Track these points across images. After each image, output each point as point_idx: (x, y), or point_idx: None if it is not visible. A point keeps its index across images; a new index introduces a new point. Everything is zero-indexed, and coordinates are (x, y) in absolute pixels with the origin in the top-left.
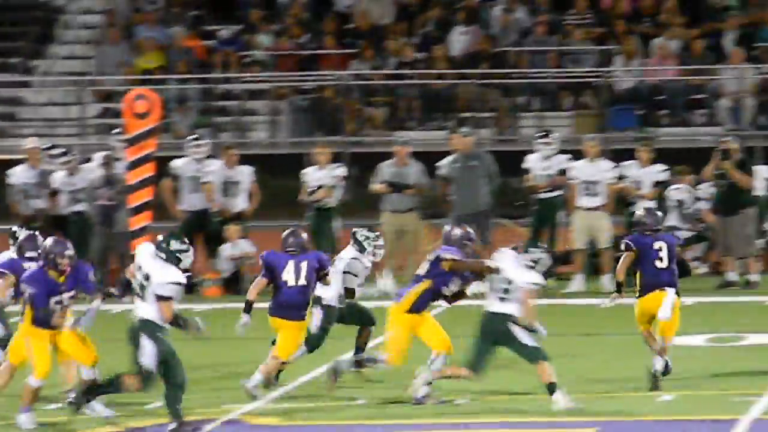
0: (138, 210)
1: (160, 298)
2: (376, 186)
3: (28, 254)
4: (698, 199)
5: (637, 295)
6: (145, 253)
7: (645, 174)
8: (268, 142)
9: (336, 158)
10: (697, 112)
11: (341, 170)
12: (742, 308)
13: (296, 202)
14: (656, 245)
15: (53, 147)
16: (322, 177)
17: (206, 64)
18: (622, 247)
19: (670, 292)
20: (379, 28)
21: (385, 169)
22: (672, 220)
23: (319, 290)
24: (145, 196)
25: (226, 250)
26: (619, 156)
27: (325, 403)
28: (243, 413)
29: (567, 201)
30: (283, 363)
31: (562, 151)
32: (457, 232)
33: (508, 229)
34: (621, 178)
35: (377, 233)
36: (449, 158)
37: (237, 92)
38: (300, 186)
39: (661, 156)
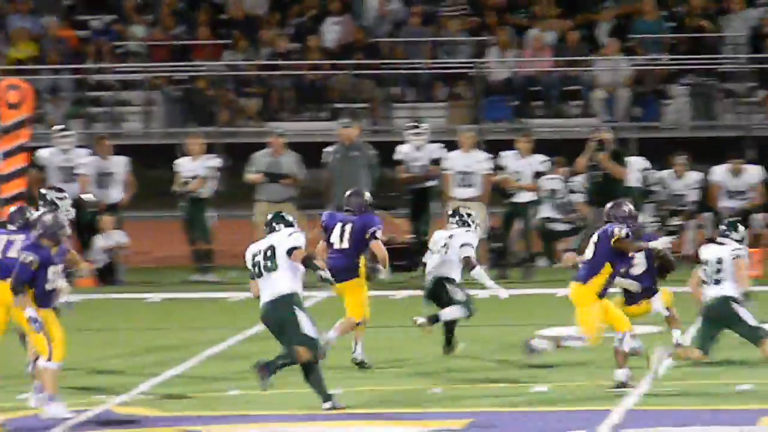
0: (11, 201)
1: None
2: (250, 175)
3: None
4: (572, 191)
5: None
6: None
7: (525, 165)
8: (141, 133)
9: (209, 149)
10: (572, 103)
11: (215, 161)
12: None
13: (170, 192)
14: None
15: None
16: (195, 168)
17: (79, 54)
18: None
19: (656, 299)
20: (253, 18)
21: (260, 159)
22: (545, 210)
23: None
24: (18, 186)
25: (100, 241)
26: (493, 147)
27: (199, 395)
28: (115, 404)
29: (441, 191)
30: (357, 324)
31: (435, 141)
32: (625, 209)
33: (385, 220)
34: (499, 168)
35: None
36: (329, 149)
37: (110, 82)
38: (174, 177)
39: (536, 147)
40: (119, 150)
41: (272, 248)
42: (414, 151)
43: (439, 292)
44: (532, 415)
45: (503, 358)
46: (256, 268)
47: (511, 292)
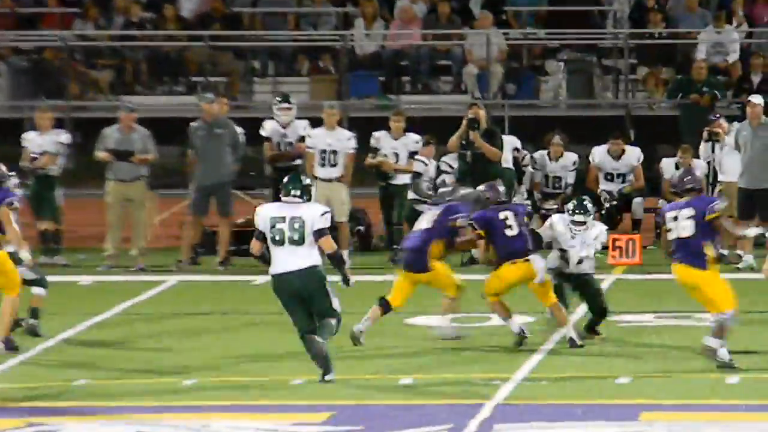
0: None
1: None
2: (99, 153)
3: None
4: (442, 171)
5: (494, 267)
6: None
7: (400, 146)
8: None
9: (59, 123)
10: (443, 79)
11: (65, 136)
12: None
13: (18, 168)
14: (501, 215)
15: None
16: (44, 143)
17: None
18: (469, 228)
19: (534, 257)
20: None
21: (109, 136)
22: (411, 193)
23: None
24: None
25: None
26: (359, 124)
27: (45, 384)
28: None
29: (306, 170)
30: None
31: (300, 118)
32: (496, 190)
33: (244, 201)
34: (375, 150)
35: None
36: (193, 125)
37: None
38: (21, 152)
39: (406, 126)
40: None
41: (302, 221)
42: (281, 128)
43: None
44: (395, 409)
45: (369, 348)
46: (277, 236)
47: (374, 279)
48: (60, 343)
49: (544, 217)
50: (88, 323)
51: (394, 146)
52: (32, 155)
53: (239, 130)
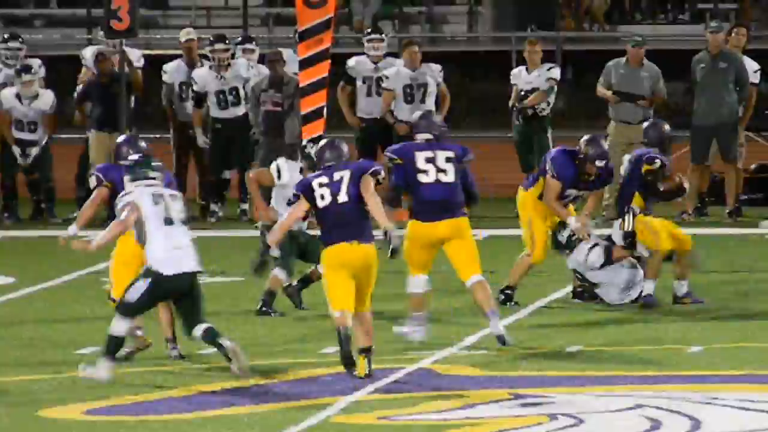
0: (311, 117)
1: None
2: (602, 91)
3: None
4: None
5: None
6: None
7: None
8: None
9: (549, 57)
10: None
11: (557, 71)
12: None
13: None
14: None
15: (243, 41)
16: (533, 79)
17: None
18: None
19: None
20: None
21: (613, 71)
22: None
23: None
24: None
25: None
26: None
27: (531, 351)
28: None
29: None
30: None
31: None
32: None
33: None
34: None
35: None
36: (695, 58)
37: None
38: (509, 89)
39: None
40: None
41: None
42: None
43: None
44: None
45: None
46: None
47: None
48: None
49: None
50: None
51: None
52: (521, 93)
53: (754, 66)
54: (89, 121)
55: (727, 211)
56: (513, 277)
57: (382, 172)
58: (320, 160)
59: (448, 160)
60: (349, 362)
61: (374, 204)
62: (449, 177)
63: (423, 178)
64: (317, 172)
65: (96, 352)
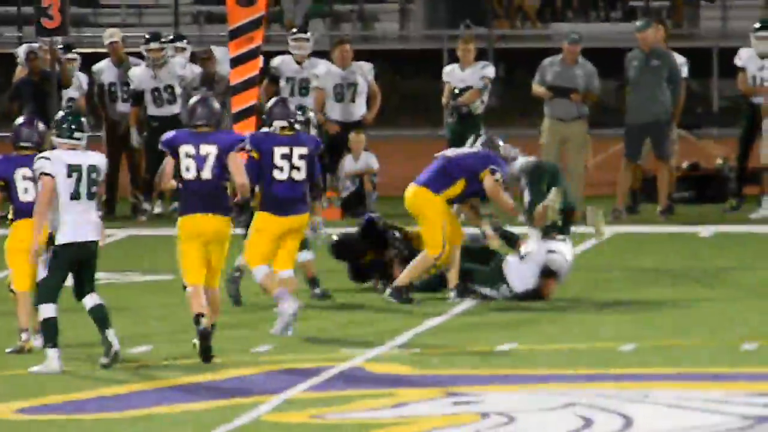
0: (242, 115)
1: None
2: (537, 89)
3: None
4: None
5: None
6: None
7: None
8: None
9: (482, 55)
10: None
11: (490, 69)
12: None
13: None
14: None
15: (175, 39)
16: (467, 77)
17: None
18: None
19: None
20: None
21: (548, 69)
22: None
23: None
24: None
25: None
26: None
27: (463, 350)
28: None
29: None
30: None
31: None
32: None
33: (689, 141)
34: None
35: None
36: (629, 55)
37: None
38: (441, 87)
39: None
40: None
41: None
42: (759, 59)
43: None
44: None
45: None
46: None
47: None
48: (480, 305)
49: None
50: None
51: None
52: (454, 91)
53: (681, 60)
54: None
55: (659, 209)
56: (412, 275)
57: (247, 143)
58: (192, 117)
59: (301, 157)
60: (207, 357)
61: (237, 169)
62: (301, 174)
63: (277, 175)
64: (186, 131)
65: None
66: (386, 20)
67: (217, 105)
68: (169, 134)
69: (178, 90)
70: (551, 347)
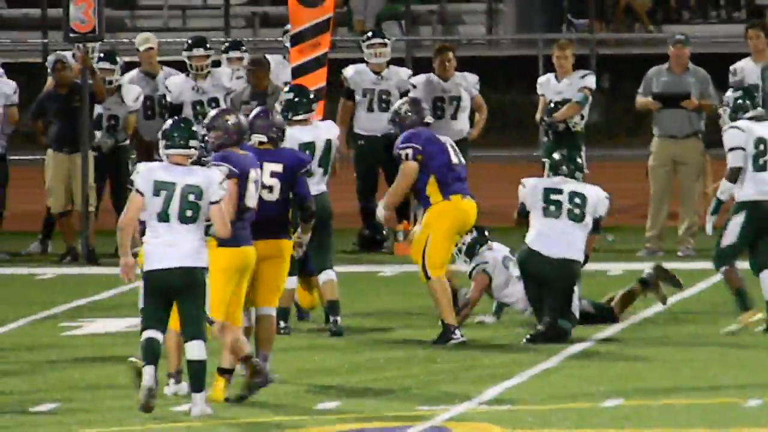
0: None
1: None
2: (641, 99)
3: None
4: None
5: None
6: None
7: None
8: None
9: (581, 62)
10: None
11: (590, 79)
12: None
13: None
14: None
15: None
16: (564, 88)
17: None
18: None
19: None
20: None
21: (656, 77)
22: None
23: None
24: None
25: None
26: None
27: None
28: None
29: None
30: None
31: None
32: None
33: None
34: None
35: None
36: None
37: None
38: (535, 100)
39: None
40: None
41: None
42: None
43: None
44: None
45: None
46: None
47: None
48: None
49: None
50: None
51: None
52: (549, 105)
53: None
54: (46, 139)
55: None
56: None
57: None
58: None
59: (273, 174)
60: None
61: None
62: (273, 194)
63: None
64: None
65: None
66: (471, 22)
67: (279, 118)
68: (233, 155)
69: (223, 104)
70: (663, 402)
